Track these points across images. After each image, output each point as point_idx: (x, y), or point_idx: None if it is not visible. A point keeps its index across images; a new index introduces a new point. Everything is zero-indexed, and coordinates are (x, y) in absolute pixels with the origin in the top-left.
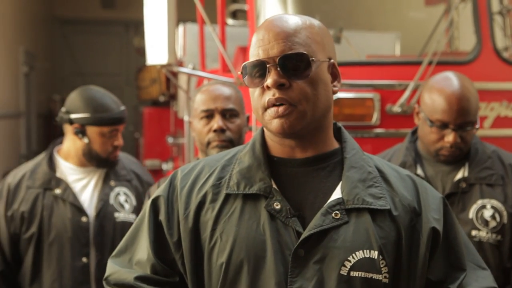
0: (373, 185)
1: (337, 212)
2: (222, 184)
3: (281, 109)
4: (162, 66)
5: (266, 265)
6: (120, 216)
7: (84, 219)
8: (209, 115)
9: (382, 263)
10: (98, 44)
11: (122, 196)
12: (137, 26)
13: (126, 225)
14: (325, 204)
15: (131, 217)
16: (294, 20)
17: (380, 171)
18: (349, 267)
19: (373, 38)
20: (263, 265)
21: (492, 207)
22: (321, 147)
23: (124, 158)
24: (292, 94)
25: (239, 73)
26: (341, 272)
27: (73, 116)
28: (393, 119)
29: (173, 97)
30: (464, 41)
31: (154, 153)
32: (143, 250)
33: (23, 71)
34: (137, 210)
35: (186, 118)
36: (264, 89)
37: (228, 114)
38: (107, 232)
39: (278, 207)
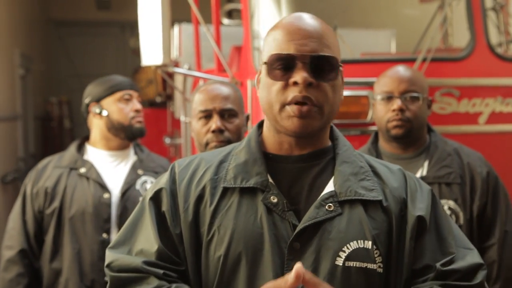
0: (365, 178)
1: (330, 204)
2: (219, 179)
3: (304, 108)
4: (157, 67)
5: (264, 257)
6: None
7: (106, 195)
8: (207, 115)
9: (376, 253)
10: (94, 45)
11: (149, 184)
12: (133, 27)
13: None
14: (319, 197)
15: None
16: (321, 22)
17: (371, 166)
18: (344, 257)
19: (368, 35)
20: (261, 258)
21: (450, 208)
22: (317, 145)
23: (155, 155)
24: (318, 94)
25: (263, 62)
26: (336, 262)
27: (86, 100)
28: None
29: (169, 97)
30: (458, 38)
31: None
32: (146, 240)
33: (19, 74)
34: None
35: (182, 118)
36: (288, 85)
37: (226, 114)
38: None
39: (275, 200)
